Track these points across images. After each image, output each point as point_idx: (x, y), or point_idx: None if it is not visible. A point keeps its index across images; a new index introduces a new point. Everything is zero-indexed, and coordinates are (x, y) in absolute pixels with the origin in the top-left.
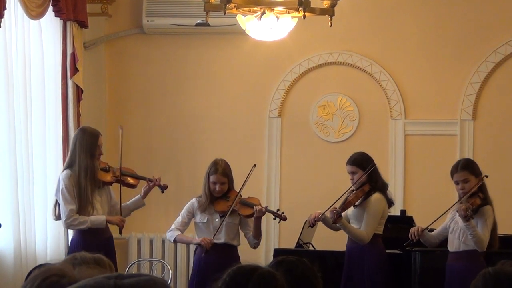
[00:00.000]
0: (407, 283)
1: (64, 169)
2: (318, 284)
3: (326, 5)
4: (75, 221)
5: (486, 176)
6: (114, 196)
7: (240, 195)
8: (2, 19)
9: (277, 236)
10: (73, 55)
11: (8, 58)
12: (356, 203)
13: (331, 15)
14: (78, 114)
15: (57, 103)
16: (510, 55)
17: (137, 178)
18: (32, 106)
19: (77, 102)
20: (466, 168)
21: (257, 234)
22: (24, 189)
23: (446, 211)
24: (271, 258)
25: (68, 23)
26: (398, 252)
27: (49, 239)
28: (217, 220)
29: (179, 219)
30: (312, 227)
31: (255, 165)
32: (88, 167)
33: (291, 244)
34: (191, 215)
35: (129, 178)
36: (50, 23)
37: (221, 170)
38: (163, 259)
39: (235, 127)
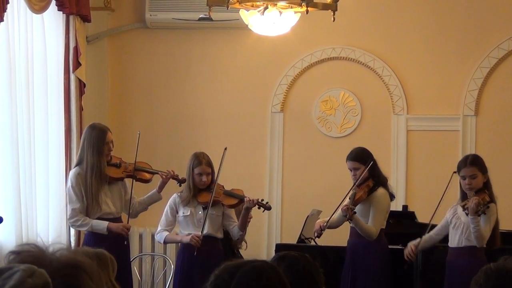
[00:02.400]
0: (409, 278)
1: (74, 167)
2: (320, 279)
3: (329, 0)
4: (77, 222)
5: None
6: (128, 190)
7: (223, 186)
8: (5, 13)
9: (279, 231)
10: (76, 49)
11: (11, 52)
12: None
13: (334, 10)
14: (80, 108)
15: (60, 97)
16: None
17: (151, 172)
18: (35, 100)
19: (80, 96)
20: (475, 164)
21: (243, 226)
22: (26, 184)
23: (438, 203)
24: (273, 253)
25: (71, 17)
26: (400, 247)
27: (51, 234)
28: (200, 212)
29: (163, 219)
30: (319, 237)
31: (225, 148)
32: (95, 164)
33: (293, 239)
34: (175, 211)
35: (143, 173)
36: (53, 17)
37: (205, 161)
38: (164, 253)
39: (237, 122)
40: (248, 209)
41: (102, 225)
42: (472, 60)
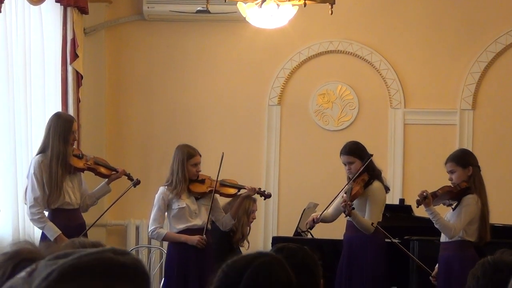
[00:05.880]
0: (405, 272)
1: (37, 154)
2: (318, 272)
3: None
4: (36, 215)
5: None
6: (85, 182)
7: (210, 177)
8: (3, 4)
9: (275, 224)
10: (73, 41)
11: (8, 44)
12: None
13: (332, 3)
14: (77, 100)
15: (57, 89)
16: (511, 45)
17: (110, 168)
18: (32, 92)
19: (77, 88)
20: (453, 160)
21: (236, 214)
22: (24, 176)
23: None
24: (269, 246)
25: (69, 9)
26: (397, 241)
27: None
28: (194, 203)
29: (157, 215)
30: (311, 229)
31: (223, 154)
32: (61, 152)
33: (289, 232)
34: (166, 206)
35: (101, 168)
36: (51, 8)
37: (197, 151)
38: (161, 246)
39: (234, 115)
40: (246, 198)
41: (53, 232)
42: (470, 54)
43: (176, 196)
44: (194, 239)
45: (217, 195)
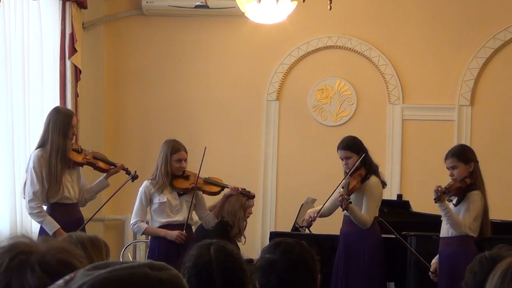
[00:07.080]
0: (403, 267)
1: (36, 148)
2: (315, 267)
3: None
4: (35, 209)
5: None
6: (83, 177)
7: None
8: None
9: (273, 219)
10: (72, 35)
11: (7, 38)
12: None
13: None
14: (76, 95)
15: (55, 83)
16: (509, 41)
17: (108, 163)
18: (30, 86)
19: (75, 83)
20: (454, 155)
21: (219, 213)
22: (22, 170)
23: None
24: (267, 241)
25: (67, 4)
26: (394, 236)
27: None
28: (176, 199)
29: (139, 209)
30: (308, 227)
31: (205, 148)
32: (60, 147)
33: (287, 227)
34: (148, 200)
35: (100, 162)
36: (49, 3)
37: (182, 147)
38: None
39: (233, 110)
40: (229, 197)
41: (52, 226)
42: (468, 50)
43: (158, 190)
44: (174, 234)
45: (201, 193)
